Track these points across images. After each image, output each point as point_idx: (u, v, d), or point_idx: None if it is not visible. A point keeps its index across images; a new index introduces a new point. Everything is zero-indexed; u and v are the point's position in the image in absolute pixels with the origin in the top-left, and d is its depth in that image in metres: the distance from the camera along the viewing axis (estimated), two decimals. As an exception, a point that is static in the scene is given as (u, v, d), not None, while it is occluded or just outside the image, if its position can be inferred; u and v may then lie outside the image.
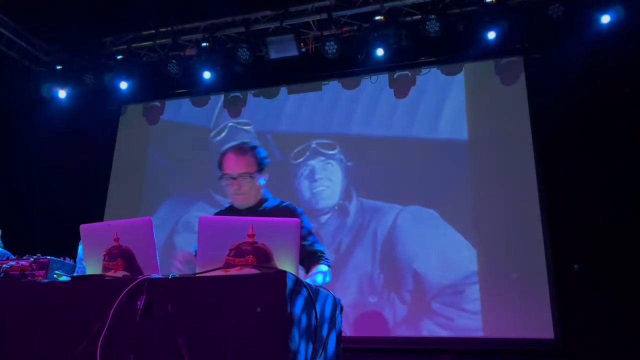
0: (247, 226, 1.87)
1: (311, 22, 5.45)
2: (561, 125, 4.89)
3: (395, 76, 5.59)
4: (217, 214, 2.86)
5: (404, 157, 5.30)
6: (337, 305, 2.13)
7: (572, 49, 4.83)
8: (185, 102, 6.27)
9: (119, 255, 2.04)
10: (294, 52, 5.39)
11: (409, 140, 5.34)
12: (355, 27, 5.36)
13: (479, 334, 4.61)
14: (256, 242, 1.85)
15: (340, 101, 5.68)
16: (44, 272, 2.32)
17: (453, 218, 4.97)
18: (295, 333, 1.65)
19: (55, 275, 2.34)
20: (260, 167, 2.67)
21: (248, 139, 5.70)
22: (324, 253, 2.65)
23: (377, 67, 5.47)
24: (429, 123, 5.32)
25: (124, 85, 5.92)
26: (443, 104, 5.34)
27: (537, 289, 4.54)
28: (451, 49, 5.35)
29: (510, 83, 5.24)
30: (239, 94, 6.11)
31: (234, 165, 2.63)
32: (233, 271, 1.82)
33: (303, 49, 5.46)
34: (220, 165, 2.68)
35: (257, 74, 5.86)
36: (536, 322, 4.48)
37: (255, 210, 2.67)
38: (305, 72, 5.77)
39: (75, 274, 2.34)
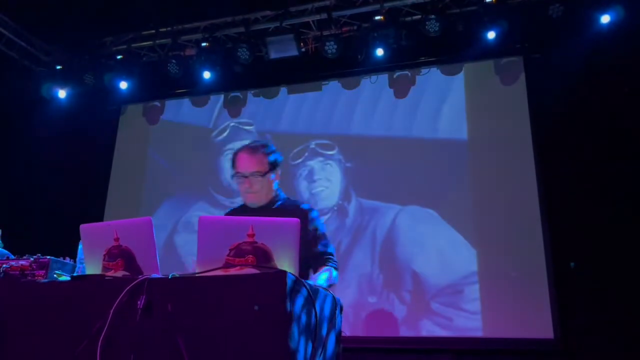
0: (247, 226, 1.87)
1: (311, 22, 5.45)
2: (561, 125, 4.89)
3: (395, 76, 5.59)
4: (229, 212, 2.86)
5: (403, 157, 5.30)
6: (336, 305, 2.13)
7: (572, 49, 4.83)
8: (185, 102, 6.27)
9: (119, 255, 2.04)
10: (293, 52, 5.39)
11: (408, 140, 5.34)
12: (355, 27, 5.36)
13: (479, 333, 4.61)
14: (256, 242, 1.85)
15: (340, 101, 5.68)
16: (43, 272, 2.33)
17: (452, 218, 4.98)
18: (295, 332, 1.65)
19: (55, 275, 2.34)
20: (272, 166, 2.67)
21: (250, 138, 5.72)
22: (333, 255, 2.63)
23: (377, 67, 5.48)
24: (428, 123, 5.32)
25: (123, 85, 5.93)
26: (443, 104, 5.35)
27: (537, 289, 4.54)
28: (451, 49, 5.35)
29: (510, 83, 5.24)
30: (238, 94, 6.11)
31: (246, 164, 2.64)
32: (233, 271, 1.82)
33: (303, 49, 5.46)
34: (233, 164, 2.70)
35: (257, 74, 5.87)
36: (536, 322, 4.48)
37: (268, 209, 2.67)
38: (305, 72, 5.77)
39: (75, 274, 2.35)
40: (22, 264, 2.34)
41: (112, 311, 1.77)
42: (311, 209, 2.71)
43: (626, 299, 4.30)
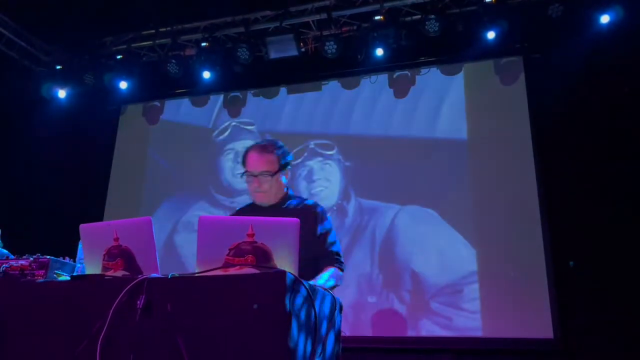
0: (247, 226, 1.87)
1: (311, 22, 5.45)
2: (561, 125, 4.90)
3: (394, 76, 5.59)
4: (238, 210, 2.85)
5: (403, 157, 5.30)
6: (336, 304, 2.13)
7: (572, 48, 4.84)
8: (185, 102, 6.27)
9: (119, 254, 2.04)
10: (293, 52, 5.39)
11: (408, 140, 5.34)
12: (355, 27, 5.36)
13: (478, 333, 4.61)
14: (256, 242, 1.85)
15: (339, 101, 5.68)
16: (43, 271, 2.33)
17: (452, 218, 4.98)
18: (294, 332, 1.65)
19: (54, 275, 2.34)
20: (282, 166, 2.67)
21: (251, 138, 5.73)
22: (340, 256, 2.63)
23: (377, 67, 5.48)
24: (428, 123, 5.32)
25: (123, 85, 5.93)
26: (442, 103, 5.35)
27: (537, 289, 4.54)
28: (451, 49, 5.35)
29: (510, 83, 5.24)
30: (238, 93, 6.11)
31: (256, 163, 2.64)
32: (232, 271, 1.82)
33: (303, 49, 5.46)
34: (243, 162, 2.69)
35: (256, 73, 5.87)
36: (536, 322, 4.48)
37: (279, 208, 2.66)
38: (305, 72, 5.77)
39: (74, 274, 2.35)
40: (21, 264, 2.34)
41: (111, 311, 1.78)
42: (321, 208, 2.71)
43: (626, 299, 4.30)
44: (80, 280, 2.02)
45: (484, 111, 5.22)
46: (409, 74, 5.56)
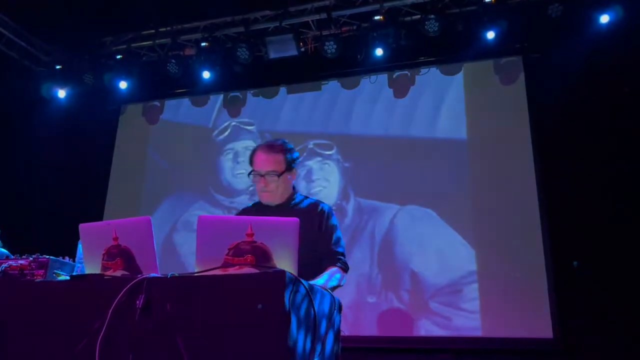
0: (246, 225, 1.87)
1: (310, 22, 5.46)
2: (561, 124, 4.90)
3: (394, 76, 5.59)
4: (244, 209, 2.85)
5: (402, 157, 5.30)
6: (335, 304, 2.13)
7: (572, 48, 4.83)
8: (185, 101, 6.28)
9: (118, 254, 2.04)
10: (293, 52, 5.39)
11: (407, 139, 5.34)
12: (355, 27, 5.36)
13: (478, 333, 4.61)
14: (255, 242, 1.85)
15: (339, 101, 5.68)
16: (43, 271, 2.33)
17: (451, 217, 4.98)
18: (294, 331, 1.65)
19: (54, 275, 2.34)
20: (289, 166, 2.67)
21: (251, 138, 5.73)
22: (344, 256, 2.62)
23: (377, 67, 5.48)
24: (428, 123, 5.32)
25: (123, 85, 5.93)
26: (442, 103, 5.35)
27: (537, 289, 4.54)
28: (450, 49, 5.35)
29: (510, 83, 5.24)
30: (238, 93, 6.11)
31: (263, 162, 2.63)
32: (232, 270, 1.82)
33: (302, 49, 5.46)
34: (251, 161, 2.69)
35: (256, 73, 5.87)
36: (535, 322, 4.48)
37: (285, 207, 2.67)
38: (305, 72, 5.77)
39: (74, 273, 2.35)
40: (21, 264, 2.34)
41: (111, 310, 1.78)
42: (328, 208, 2.71)
43: (626, 299, 4.30)
44: (80, 279, 2.02)
45: (484, 111, 5.22)
46: (409, 73, 5.56)
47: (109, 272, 2.03)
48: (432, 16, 4.93)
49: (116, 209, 5.99)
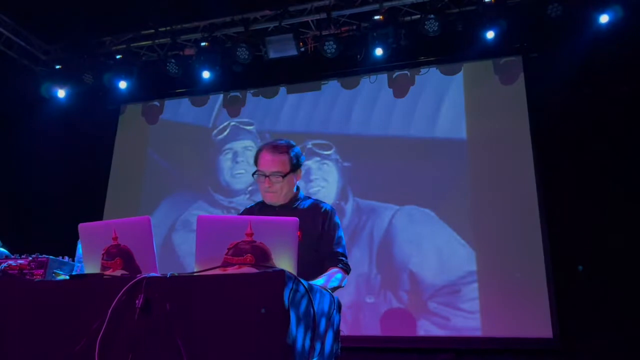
0: (246, 225, 1.87)
1: (310, 22, 5.46)
2: (560, 124, 4.90)
3: (394, 76, 5.59)
4: (248, 208, 2.85)
5: (402, 157, 5.30)
6: (335, 303, 2.13)
7: (571, 48, 4.84)
8: (185, 101, 6.27)
9: (118, 254, 2.04)
10: (293, 52, 5.39)
11: (407, 139, 5.34)
12: (354, 27, 5.36)
13: (477, 333, 4.61)
14: (254, 241, 1.85)
15: (339, 101, 5.68)
16: (42, 271, 2.33)
17: (451, 217, 4.98)
18: (293, 331, 1.65)
19: (53, 274, 2.34)
20: (294, 167, 2.67)
21: (250, 138, 5.72)
22: (345, 257, 2.62)
23: (376, 67, 5.48)
24: (427, 122, 5.32)
25: (123, 84, 5.93)
26: (442, 103, 5.35)
27: (536, 288, 4.54)
28: (450, 49, 5.35)
29: (509, 82, 5.24)
30: (238, 93, 6.11)
31: (268, 163, 2.63)
32: (231, 270, 1.82)
33: (302, 49, 5.46)
34: (255, 161, 2.69)
35: (256, 73, 5.87)
36: (535, 322, 4.48)
37: (289, 207, 2.67)
38: (305, 71, 5.78)
39: (73, 273, 2.35)
40: (20, 263, 2.34)
41: (110, 310, 1.78)
42: (331, 208, 2.71)
43: (626, 299, 4.30)
44: (79, 279, 2.02)
45: (484, 111, 5.22)
46: (409, 73, 5.56)
47: (109, 272, 2.03)
48: (432, 16, 4.93)
49: (116, 209, 5.99)
